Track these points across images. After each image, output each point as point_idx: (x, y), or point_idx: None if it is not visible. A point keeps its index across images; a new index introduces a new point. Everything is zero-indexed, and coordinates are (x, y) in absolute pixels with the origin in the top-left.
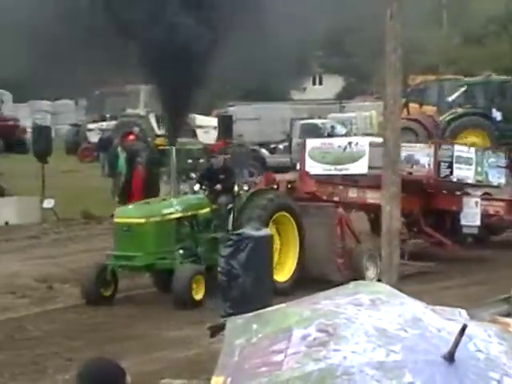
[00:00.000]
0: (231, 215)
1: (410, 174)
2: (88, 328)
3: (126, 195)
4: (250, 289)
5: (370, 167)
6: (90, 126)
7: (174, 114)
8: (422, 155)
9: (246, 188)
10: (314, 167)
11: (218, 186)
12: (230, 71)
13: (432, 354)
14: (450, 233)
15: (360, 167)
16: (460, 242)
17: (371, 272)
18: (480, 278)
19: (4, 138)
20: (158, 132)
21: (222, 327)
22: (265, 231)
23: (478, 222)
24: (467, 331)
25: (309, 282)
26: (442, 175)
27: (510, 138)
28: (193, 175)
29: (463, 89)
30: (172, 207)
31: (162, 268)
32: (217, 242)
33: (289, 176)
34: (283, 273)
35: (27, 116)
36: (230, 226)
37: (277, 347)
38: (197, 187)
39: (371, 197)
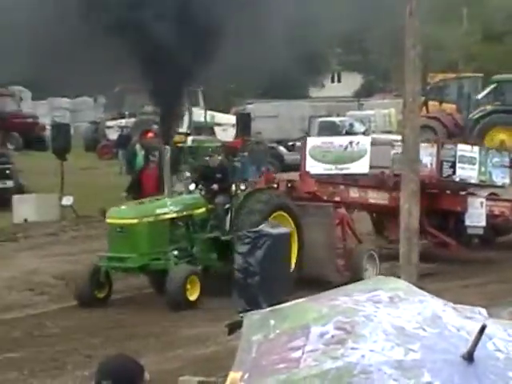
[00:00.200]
0: (228, 215)
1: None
2: (106, 325)
3: (136, 192)
4: (267, 286)
5: (371, 167)
6: (109, 123)
7: (167, 114)
8: (424, 155)
9: (243, 188)
10: (314, 166)
11: (215, 186)
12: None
13: (451, 354)
14: (455, 233)
15: (361, 166)
16: (465, 242)
17: (370, 273)
18: (498, 277)
19: (23, 136)
20: (177, 129)
21: (239, 324)
22: (283, 228)
23: (483, 223)
24: (486, 330)
25: (307, 282)
26: (444, 175)
27: None
28: (187, 174)
29: (493, 86)
30: (166, 207)
31: (156, 269)
32: (213, 243)
33: (291, 175)
34: None
35: (46, 113)
36: (227, 227)
37: (294, 344)
38: (192, 187)
39: (373, 197)
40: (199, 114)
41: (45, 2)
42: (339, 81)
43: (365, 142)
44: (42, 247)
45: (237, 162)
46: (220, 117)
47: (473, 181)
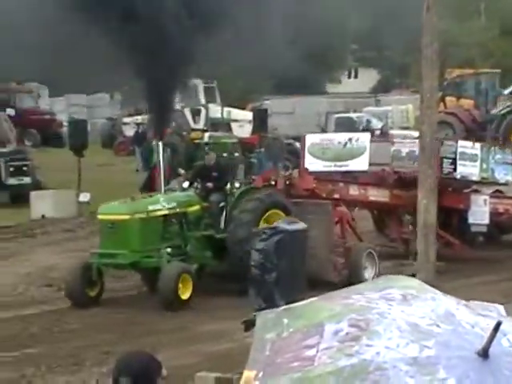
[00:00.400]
0: (223, 213)
1: (418, 171)
2: (123, 321)
3: (149, 189)
4: (283, 283)
5: (370, 164)
6: (126, 119)
7: (159, 111)
8: None
9: (237, 185)
10: (313, 164)
11: (209, 184)
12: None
13: (466, 350)
14: (458, 232)
15: (360, 164)
16: (469, 241)
17: (369, 272)
18: (509, 275)
19: (41, 132)
20: (194, 126)
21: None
22: (299, 225)
23: (486, 221)
24: (501, 327)
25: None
26: (444, 172)
27: None
28: (181, 171)
29: None
30: (159, 204)
31: (148, 266)
32: (207, 241)
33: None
34: None
35: (63, 110)
36: (221, 225)
37: (309, 342)
38: (186, 184)
39: (373, 194)
40: (216, 111)
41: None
42: (356, 77)
43: (364, 138)
44: (60, 243)
45: (253, 158)
46: (237, 113)
47: (474, 178)
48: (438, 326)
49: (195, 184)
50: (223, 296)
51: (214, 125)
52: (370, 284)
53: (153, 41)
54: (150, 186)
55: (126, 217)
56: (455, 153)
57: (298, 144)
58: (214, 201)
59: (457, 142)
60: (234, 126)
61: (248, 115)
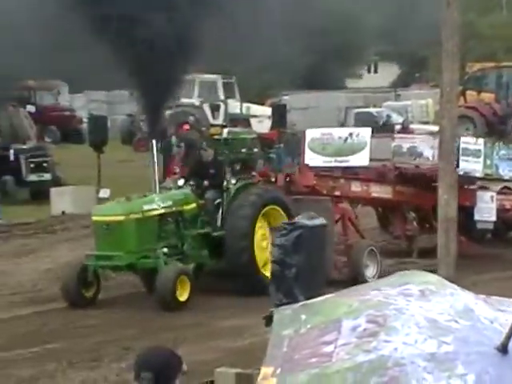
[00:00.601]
0: (220, 211)
1: (417, 167)
2: (142, 317)
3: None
4: (303, 278)
5: (371, 159)
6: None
7: (154, 108)
8: (425, 147)
9: (233, 182)
10: (313, 159)
11: (206, 182)
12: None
13: (484, 346)
14: (465, 229)
15: (361, 159)
16: (477, 238)
17: (371, 270)
18: None
19: (61, 129)
20: (213, 121)
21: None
22: (319, 220)
23: (493, 218)
24: None
25: None
26: None
27: None
28: (176, 169)
29: None
30: (154, 203)
31: (145, 267)
32: (204, 239)
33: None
34: None
35: (83, 106)
36: (218, 222)
37: (326, 338)
38: (181, 182)
39: (376, 190)
40: (235, 106)
41: None
42: (376, 71)
43: (365, 133)
44: (80, 239)
45: (272, 153)
46: (256, 108)
47: (478, 174)
48: (456, 321)
49: (191, 182)
50: (239, 293)
51: (233, 120)
52: (387, 280)
53: (145, 39)
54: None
55: (121, 218)
56: (458, 148)
57: None
58: (209, 198)
59: (459, 138)
60: (253, 121)
61: (267, 111)
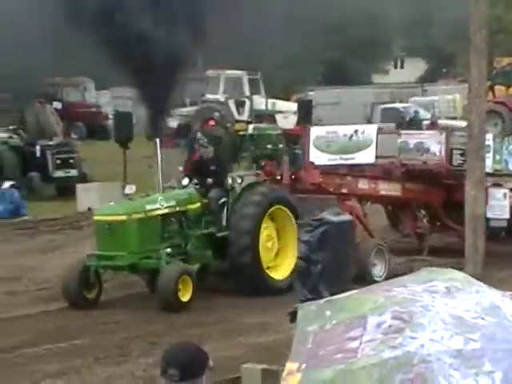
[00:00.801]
0: (224, 210)
1: (425, 163)
2: (167, 312)
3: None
4: (328, 274)
5: (377, 156)
6: (170, 111)
7: (157, 107)
8: (432, 143)
9: (239, 181)
10: (318, 157)
11: (209, 180)
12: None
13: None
14: None
15: (367, 156)
16: (491, 236)
17: (379, 269)
18: None
19: (87, 125)
20: (238, 117)
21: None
22: (344, 216)
23: (506, 215)
24: None
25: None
26: (454, 164)
27: None
28: (180, 168)
29: None
30: (157, 203)
31: (147, 268)
32: (208, 239)
33: None
34: (281, 270)
35: (109, 102)
36: (223, 222)
37: (352, 334)
38: (185, 181)
39: (384, 188)
40: (260, 102)
41: None
42: (402, 67)
43: (370, 130)
44: None
45: (298, 149)
46: (281, 104)
47: (487, 170)
48: (483, 318)
49: (194, 180)
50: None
51: (259, 116)
52: (412, 276)
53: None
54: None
55: (124, 217)
56: (465, 144)
57: None
58: (213, 197)
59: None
60: (278, 117)
61: (292, 106)
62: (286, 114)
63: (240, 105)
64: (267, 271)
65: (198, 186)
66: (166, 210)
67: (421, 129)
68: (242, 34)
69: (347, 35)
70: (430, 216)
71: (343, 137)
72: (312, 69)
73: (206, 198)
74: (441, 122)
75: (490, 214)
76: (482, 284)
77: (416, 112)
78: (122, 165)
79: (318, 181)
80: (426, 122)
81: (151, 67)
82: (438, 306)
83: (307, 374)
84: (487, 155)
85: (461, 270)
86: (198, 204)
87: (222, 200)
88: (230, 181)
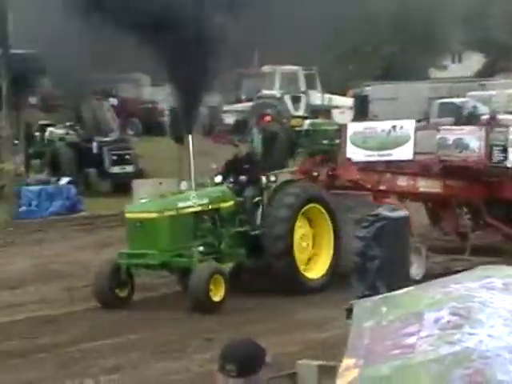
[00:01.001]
0: (259, 209)
1: (465, 160)
2: (223, 309)
3: None
4: (385, 271)
5: (416, 152)
6: (226, 107)
7: (189, 104)
8: (472, 139)
9: (273, 179)
10: (355, 153)
11: (243, 178)
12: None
13: None
14: None
15: (404, 152)
16: None
17: (416, 268)
18: None
19: (143, 121)
20: (294, 113)
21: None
22: (401, 212)
23: None
24: None
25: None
26: (494, 160)
27: None
28: (213, 166)
29: None
30: (189, 200)
31: (179, 266)
32: (242, 238)
33: None
34: (316, 269)
35: (164, 99)
36: (257, 221)
37: (409, 330)
38: (218, 179)
39: (423, 185)
40: (316, 97)
41: None
42: (460, 61)
43: (408, 126)
44: None
45: None
46: (337, 99)
47: None
48: None
49: (230, 179)
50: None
51: (315, 111)
52: (467, 274)
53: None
54: None
55: (155, 215)
56: (506, 140)
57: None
58: (248, 196)
59: (508, 128)
60: (334, 112)
61: (349, 101)
62: (342, 109)
63: (296, 100)
64: (302, 271)
65: (231, 185)
66: (199, 208)
67: (478, 124)
68: (297, 30)
69: (405, 30)
70: (472, 214)
71: (380, 132)
72: (369, 64)
73: (240, 196)
74: (499, 116)
75: None
76: None
77: (474, 107)
78: (178, 161)
79: (355, 177)
80: (484, 117)
81: (184, 58)
82: (497, 302)
83: (364, 369)
84: None
85: None
86: (232, 202)
87: (257, 199)
88: (264, 179)
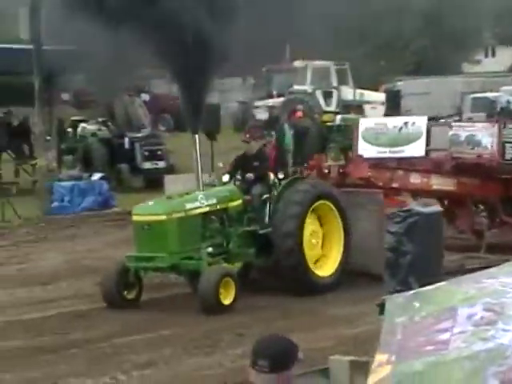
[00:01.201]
0: (267, 207)
1: (479, 156)
2: (255, 304)
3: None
4: (418, 266)
5: (429, 149)
6: (257, 103)
7: (192, 103)
8: (484, 135)
9: (281, 176)
10: (367, 150)
11: (250, 175)
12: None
13: None
14: None
15: (416, 149)
16: None
17: None
18: None
19: (174, 117)
20: (326, 108)
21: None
22: (434, 207)
23: None
24: None
25: (352, 276)
26: (507, 158)
27: None
28: (220, 165)
29: None
30: (197, 201)
31: (188, 269)
32: (250, 237)
33: None
34: (327, 267)
35: None
36: (266, 219)
37: (442, 326)
38: (226, 178)
39: (437, 183)
40: (348, 92)
41: None
42: (493, 55)
43: (421, 122)
44: None
45: None
46: (369, 94)
47: None
48: None
49: (238, 176)
50: (349, 280)
51: (346, 107)
52: (502, 268)
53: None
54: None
55: (163, 217)
56: None
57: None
58: (256, 193)
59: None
60: (366, 107)
61: (381, 97)
62: (374, 104)
63: (327, 95)
64: (312, 269)
65: (239, 183)
66: (207, 209)
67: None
68: (328, 24)
69: (438, 24)
70: (488, 212)
71: (392, 129)
72: (400, 59)
73: (247, 194)
74: None
75: None
76: None
77: (508, 101)
78: (209, 156)
79: (366, 175)
80: None
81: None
82: None
83: (397, 365)
84: None
85: None
86: (240, 201)
87: (265, 196)
88: (272, 176)
